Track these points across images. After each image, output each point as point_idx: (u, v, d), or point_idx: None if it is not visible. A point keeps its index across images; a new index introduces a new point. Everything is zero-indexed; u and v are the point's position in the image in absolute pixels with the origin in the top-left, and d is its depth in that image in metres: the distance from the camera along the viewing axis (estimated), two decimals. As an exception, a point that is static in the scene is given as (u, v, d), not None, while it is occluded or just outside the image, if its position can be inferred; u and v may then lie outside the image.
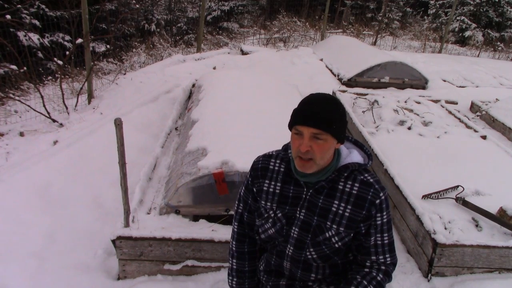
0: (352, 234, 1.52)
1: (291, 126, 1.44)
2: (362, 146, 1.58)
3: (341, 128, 1.42)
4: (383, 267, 1.53)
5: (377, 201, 1.47)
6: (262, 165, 1.61)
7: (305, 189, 1.52)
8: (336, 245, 1.53)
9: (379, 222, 1.50)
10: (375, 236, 1.51)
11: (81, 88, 5.22)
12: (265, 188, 1.59)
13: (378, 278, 1.51)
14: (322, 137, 1.37)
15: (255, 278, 1.78)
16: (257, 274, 1.78)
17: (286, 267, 1.64)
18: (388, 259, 1.54)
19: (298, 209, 1.54)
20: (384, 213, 1.50)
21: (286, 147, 1.58)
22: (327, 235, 1.51)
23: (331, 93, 6.06)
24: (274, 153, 1.63)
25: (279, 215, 1.57)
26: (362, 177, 1.49)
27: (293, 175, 1.52)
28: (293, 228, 1.55)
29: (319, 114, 1.35)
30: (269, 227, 1.61)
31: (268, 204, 1.58)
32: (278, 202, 1.56)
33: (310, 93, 1.48)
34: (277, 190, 1.56)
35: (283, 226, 1.57)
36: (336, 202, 1.49)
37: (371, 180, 1.49)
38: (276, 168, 1.58)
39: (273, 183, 1.57)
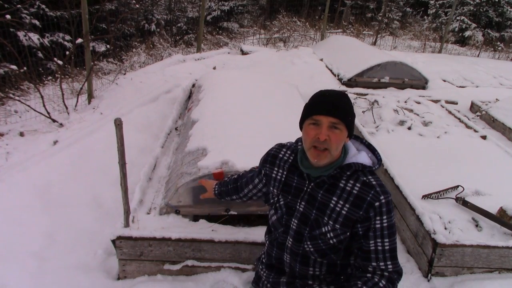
0: (348, 233, 1.51)
1: (306, 117, 1.48)
2: (375, 150, 1.59)
3: (353, 121, 1.49)
4: (386, 274, 1.47)
5: (376, 204, 1.45)
6: (274, 152, 1.72)
7: (307, 182, 1.55)
8: (331, 241, 1.53)
9: (378, 226, 1.46)
10: (374, 240, 1.47)
11: (81, 88, 5.22)
12: (273, 175, 1.68)
13: (381, 285, 1.45)
14: (339, 127, 1.42)
15: (228, 193, 2.15)
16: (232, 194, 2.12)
17: (286, 260, 1.66)
18: (390, 266, 1.47)
19: (299, 200, 1.57)
20: (385, 217, 1.47)
21: (298, 140, 1.65)
22: (323, 230, 1.52)
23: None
24: (288, 144, 1.72)
25: (281, 203, 1.62)
26: (364, 178, 1.49)
27: (299, 166, 1.57)
28: (293, 219, 1.59)
29: (337, 105, 1.41)
30: (272, 214, 1.69)
31: (275, 190, 1.67)
32: (282, 190, 1.63)
33: (320, 90, 1.52)
34: (283, 178, 1.64)
35: (283, 215, 1.62)
36: (335, 198, 1.50)
37: (374, 182, 1.49)
38: (286, 157, 1.66)
39: (280, 171, 1.66)
